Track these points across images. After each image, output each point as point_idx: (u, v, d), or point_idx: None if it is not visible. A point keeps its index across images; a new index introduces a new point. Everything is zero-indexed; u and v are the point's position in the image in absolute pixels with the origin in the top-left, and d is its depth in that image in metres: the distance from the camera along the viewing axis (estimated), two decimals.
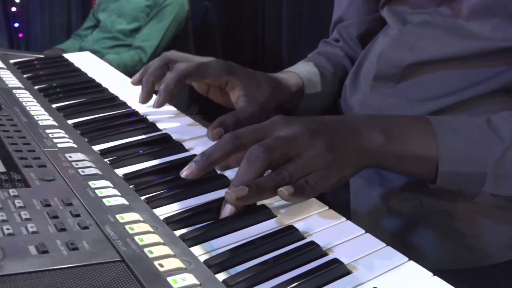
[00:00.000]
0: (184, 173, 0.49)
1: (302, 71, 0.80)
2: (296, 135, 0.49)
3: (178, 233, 0.45)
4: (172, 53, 0.73)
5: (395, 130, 0.52)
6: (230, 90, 0.69)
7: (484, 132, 0.52)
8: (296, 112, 0.79)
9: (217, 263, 0.41)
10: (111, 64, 2.06)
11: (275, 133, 0.50)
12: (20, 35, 3.50)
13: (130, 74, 0.80)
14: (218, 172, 0.56)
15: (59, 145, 0.60)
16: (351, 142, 0.50)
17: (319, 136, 0.49)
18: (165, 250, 0.41)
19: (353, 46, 0.86)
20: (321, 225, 0.47)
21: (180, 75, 0.66)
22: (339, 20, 0.88)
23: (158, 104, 0.68)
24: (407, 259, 0.42)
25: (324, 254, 0.43)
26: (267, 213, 0.48)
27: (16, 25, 3.46)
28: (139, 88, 0.84)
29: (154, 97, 0.70)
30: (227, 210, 0.47)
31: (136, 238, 0.42)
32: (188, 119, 0.73)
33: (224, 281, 0.39)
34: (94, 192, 0.50)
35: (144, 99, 0.71)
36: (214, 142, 0.51)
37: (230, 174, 0.55)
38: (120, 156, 0.59)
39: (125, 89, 0.82)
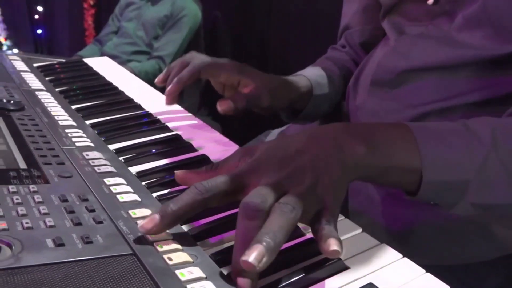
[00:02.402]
0: (146, 228, 0.40)
1: (311, 74, 0.80)
2: (282, 180, 0.40)
3: (186, 228, 0.45)
4: (192, 54, 0.72)
5: (376, 140, 0.45)
6: (242, 88, 0.69)
7: (465, 137, 0.47)
8: (305, 111, 0.79)
9: (222, 257, 0.40)
10: (133, 71, 2.07)
11: (261, 180, 0.41)
12: (43, 41, 3.52)
13: (151, 81, 0.80)
14: None
15: (77, 144, 0.60)
16: (335, 167, 0.42)
17: (304, 180, 0.40)
18: (174, 244, 0.41)
19: (358, 52, 0.86)
20: None
21: (194, 70, 0.67)
22: (346, 27, 0.88)
23: (169, 92, 0.68)
24: (401, 256, 0.41)
25: None
26: None
27: (39, 31, 3.48)
28: (154, 91, 0.84)
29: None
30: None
31: None
32: (197, 120, 0.72)
33: (228, 274, 0.38)
34: (109, 188, 0.49)
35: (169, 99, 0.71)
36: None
37: None
38: (134, 155, 0.59)
39: (139, 92, 0.81)
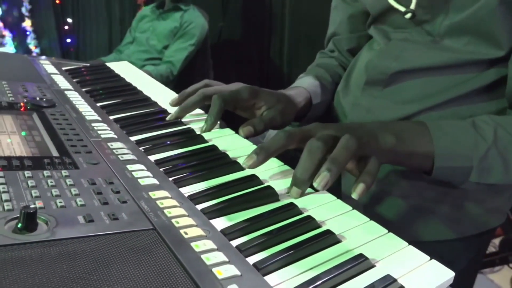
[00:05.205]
0: (249, 163, 0.48)
1: (308, 86, 0.77)
2: (336, 135, 0.48)
3: (199, 207, 0.45)
4: (207, 89, 0.68)
5: (403, 133, 0.52)
6: (256, 109, 0.67)
7: (471, 134, 0.52)
8: (306, 119, 0.78)
9: (231, 232, 0.41)
10: (151, 74, 2.07)
11: (318, 134, 0.49)
12: (72, 49, 3.50)
13: (163, 83, 0.80)
14: (232, 159, 0.56)
15: (102, 136, 0.60)
16: (372, 143, 0.50)
17: (354, 138, 0.47)
18: (189, 221, 0.41)
19: (346, 56, 0.86)
20: (316, 203, 0.46)
21: (220, 109, 0.63)
22: (333, 34, 0.87)
23: (206, 131, 0.64)
24: (386, 231, 0.42)
25: (319, 226, 0.43)
26: (272, 194, 0.48)
27: (68, 40, 3.47)
28: (167, 91, 0.84)
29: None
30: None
31: (165, 211, 0.42)
32: (206, 116, 0.72)
33: (237, 247, 0.39)
34: (131, 174, 0.49)
35: (174, 117, 0.68)
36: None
37: (240, 160, 0.55)
38: (152, 145, 0.59)
39: (156, 92, 0.81)
